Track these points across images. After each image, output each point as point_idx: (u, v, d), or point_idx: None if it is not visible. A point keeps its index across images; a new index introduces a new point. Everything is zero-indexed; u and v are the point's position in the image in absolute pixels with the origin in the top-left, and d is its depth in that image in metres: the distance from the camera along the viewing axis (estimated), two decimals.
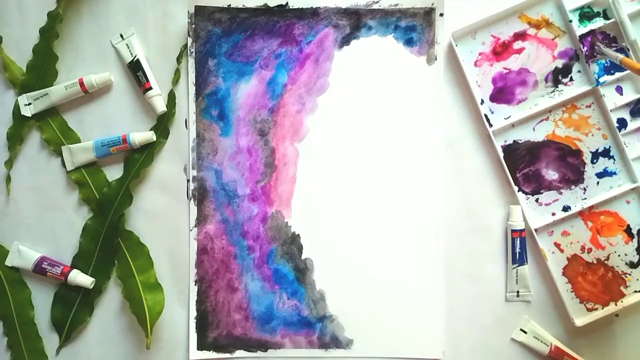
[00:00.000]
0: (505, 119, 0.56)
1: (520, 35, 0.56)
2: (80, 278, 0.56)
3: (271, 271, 0.57)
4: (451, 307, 0.56)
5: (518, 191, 0.56)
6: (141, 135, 0.56)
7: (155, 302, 0.56)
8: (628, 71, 0.55)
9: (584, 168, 0.56)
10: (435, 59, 0.56)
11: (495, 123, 0.56)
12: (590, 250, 0.56)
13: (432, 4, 0.56)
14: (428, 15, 0.56)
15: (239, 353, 0.56)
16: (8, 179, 0.58)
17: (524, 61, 0.56)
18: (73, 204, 0.58)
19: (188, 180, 0.57)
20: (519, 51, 0.56)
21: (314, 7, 0.56)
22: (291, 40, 0.57)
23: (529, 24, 0.56)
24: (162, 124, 0.57)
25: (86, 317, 0.57)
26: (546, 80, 0.56)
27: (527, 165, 0.56)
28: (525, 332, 0.56)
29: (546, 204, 0.56)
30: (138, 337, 0.57)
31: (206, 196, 0.57)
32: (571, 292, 0.56)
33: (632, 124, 0.55)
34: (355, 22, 0.56)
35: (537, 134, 0.56)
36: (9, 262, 0.57)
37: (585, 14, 0.56)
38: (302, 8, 0.56)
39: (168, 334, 0.57)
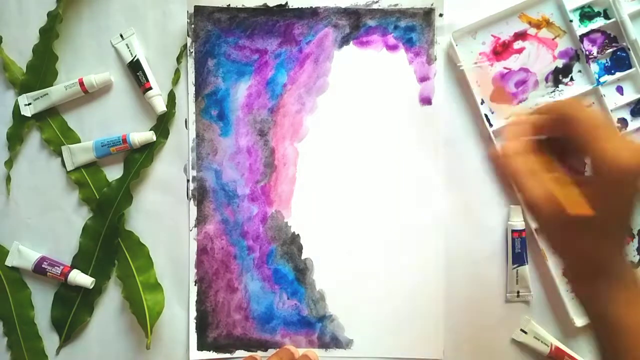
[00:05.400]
0: (505, 119, 0.56)
1: (521, 35, 0.56)
2: (80, 278, 0.56)
3: (271, 271, 0.57)
4: (451, 307, 0.56)
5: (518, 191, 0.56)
6: (141, 135, 0.57)
7: (155, 302, 0.56)
8: (628, 71, 0.55)
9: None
10: (435, 59, 0.56)
11: (495, 123, 0.56)
12: None
13: (432, 4, 0.56)
14: (428, 15, 0.56)
15: (239, 353, 0.56)
16: (8, 179, 0.58)
17: (524, 61, 0.56)
18: (73, 204, 0.58)
19: (188, 180, 0.57)
20: (519, 51, 0.56)
21: (313, 7, 0.56)
22: (291, 40, 0.57)
23: (529, 23, 0.56)
24: (162, 124, 0.57)
25: (86, 317, 0.57)
26: (546, 80, 0.56)
27: None
28: (525, 333, 0.56)
29: None
30: (138, 337, 0.57)
31: (206, 196, 0.57)
32: (571, 292, 0.56)
33: (632, 124, 0.55)
34: (354, 22, 0.56)
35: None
36: (9, 262, 0.57)
37: (586, 14, 0.55)
38: (301, 8, 0.56)
39: (168, 334, 0.57)
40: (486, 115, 0.56)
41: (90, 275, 0.57)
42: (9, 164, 0.58)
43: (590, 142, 0.35)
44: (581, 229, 0.36)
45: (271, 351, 0.56)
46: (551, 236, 0.40)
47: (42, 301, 0.58)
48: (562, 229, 0.37)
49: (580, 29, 0.55)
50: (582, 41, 0.55)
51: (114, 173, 0.58)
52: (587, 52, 0.55)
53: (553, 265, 0.55)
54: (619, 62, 0.55)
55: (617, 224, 0.37)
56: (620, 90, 0.56)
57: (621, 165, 0.34)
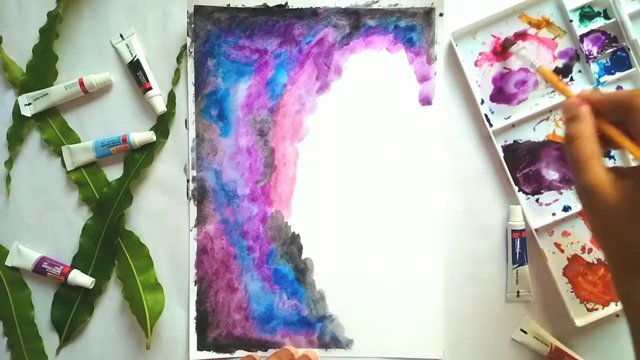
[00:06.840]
0: (505, 119, 0.56)
1: (521, 35, 0.56)
2: (80, 278, 0.56)
3: (271, 271, 0.57)
4: (451, 307, 0.56)
5: (518, 191, 0.56)
6: (141, 135, 0.57)
7: (155, 302, 0.56)
8: (628, 71, 0.55)
9: None
10: (435, 59, 0.56)
11: (495, 123, 0.56)
12: (590, 250, 0.56)
13: (432, 4, 0.56)
14: (428, 15, 0.56)
15: (239, 353, 0.56)
16: (8, 179, 0.58)
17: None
18: (73, 204, 0.58)
19: (188, 180, 0.57)
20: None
21: (313, 7, 0.56)
22: (291, 40, 0.57)
23: (529, 23, 0.56)
24: (162, 124, 0.57)
25: (86, 317, 0.57)
26: (546, 80, 0.56)
27: (527, 165, 0.56)
28: (525, 332, 0.56)
29: (546, 204, 0.56)
30: (138, 337, 0.57)
31: (206, 196, 0.57)
32: (571, 292, 0.56)
33: None
34: (354, 22, 0.56)
35: (537, 133, 0.56)
36: (9, 262, 0.58)
37: (586, 14, 0.55)
38: (301, 8, 0.56)
39: (168, 334, 0.57)
40: (486, 115, 0.56)
41: (90, 275, 0.57)
42: (9, 164, 0.58)
43: None
44: (631, 218, 0.35)
45: (271, 351, 0.56)
46: (599, 224, 0.38)
47: (42, 301, 0.58)
48: (613, 216, 0.36)
49: (580, 29, 0.55)
50: (582, 41, 0.55)
51: (114, 173, 0.58)
52: (587, 52, 0.55)
53: (553, 265, 0.55)
54: (619, 62, 0.55)
55: None
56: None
57: None
